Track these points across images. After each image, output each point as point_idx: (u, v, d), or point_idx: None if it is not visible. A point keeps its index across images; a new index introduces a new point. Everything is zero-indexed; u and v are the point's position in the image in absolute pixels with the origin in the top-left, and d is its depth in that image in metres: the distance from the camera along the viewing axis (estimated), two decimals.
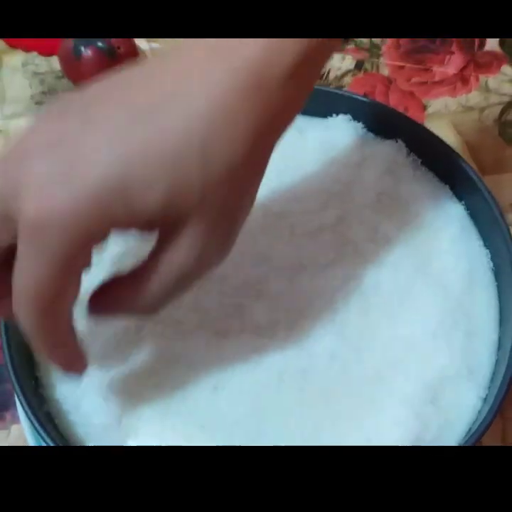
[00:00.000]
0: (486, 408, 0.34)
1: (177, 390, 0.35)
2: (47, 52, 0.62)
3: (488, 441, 0.41)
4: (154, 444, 0.34)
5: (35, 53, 0.62)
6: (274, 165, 0.42)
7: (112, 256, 0.37)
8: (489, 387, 0.35)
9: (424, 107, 0.58)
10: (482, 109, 0.57)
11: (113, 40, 0.56)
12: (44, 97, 0.59)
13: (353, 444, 0.33)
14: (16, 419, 0.43)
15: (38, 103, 0.59)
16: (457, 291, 0.38)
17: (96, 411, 0.35)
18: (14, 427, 0.43)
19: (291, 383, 0.35)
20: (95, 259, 0.35)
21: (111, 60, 0.56)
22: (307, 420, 0.34)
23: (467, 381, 0.35)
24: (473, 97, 0.58)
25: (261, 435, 0.34)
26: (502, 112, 0.57)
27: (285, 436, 0.34)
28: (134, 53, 0.59)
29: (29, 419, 0.32)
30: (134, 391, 0.35)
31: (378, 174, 0.42)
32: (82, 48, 0.56)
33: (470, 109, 0.58)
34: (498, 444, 0.41)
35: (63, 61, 0.58)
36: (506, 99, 0.58)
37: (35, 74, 0.61)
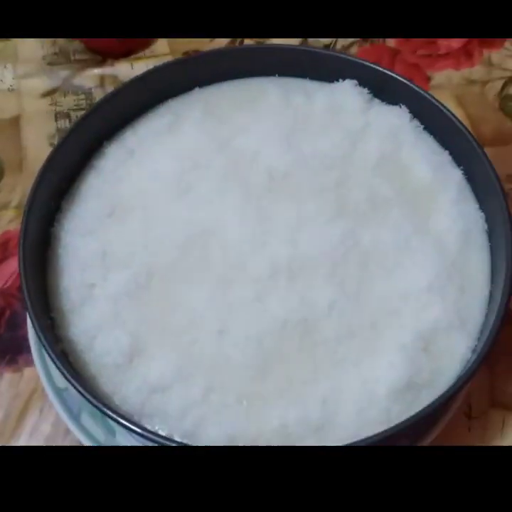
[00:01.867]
0: (475, 358, 0.36)
1: (184, 333, 0.37)
2: None
3: (477, 397, 0.43)
4: (163, 384, 0.36)
5: None
6: (282, 127, 0.44)
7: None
8: (479, 339, 0.37)
9: (428, 79, 0.59)
10: (484, 83, 0.59)
11: None
12: (56, 58, 0.61)
13: (349, 384, 0.35)
14: (29, 363, 0.45)
15: (50, 64, 0.60)
16: (453, 249, 0.40)
17: (108, 351, 0.37)
18: (27, 370, 0.45)
19: (293, 330, 0.37)
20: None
21: None
22: (307, 364, 0.36)
23: (458, 332, 0.37)
24: (477, 71, 0.60)
25: (264, 377, 0.36)
26: (503, 86, 0.59)
27: (287, 378, 0.36)
28: None
29: (47, 353, 0.34)
30: (143, 333, 0.37)
31: (381, 138, 0.44)
32: None
33: (473, 82, 0.59)
34: (486, 399, 0.43)
35: None
36: (508, 73, 0.59)
37: None
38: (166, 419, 0.35)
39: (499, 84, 0.59)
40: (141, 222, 0.41)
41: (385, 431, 0.32)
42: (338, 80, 0.46)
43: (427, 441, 0.38)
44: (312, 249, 0.39)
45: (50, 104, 0.57)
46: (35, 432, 0.43)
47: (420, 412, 0.33)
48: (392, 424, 0.33)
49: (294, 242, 0.40)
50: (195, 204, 0.42)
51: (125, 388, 0.36)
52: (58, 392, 0.39)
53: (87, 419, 0.38)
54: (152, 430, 0.33)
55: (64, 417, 0.38)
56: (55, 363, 0.33)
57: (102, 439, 0.37)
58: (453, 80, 0.59)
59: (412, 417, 0.32)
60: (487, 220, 0.41)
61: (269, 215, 0.41)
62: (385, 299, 0.38)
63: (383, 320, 0.37)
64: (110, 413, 0.32)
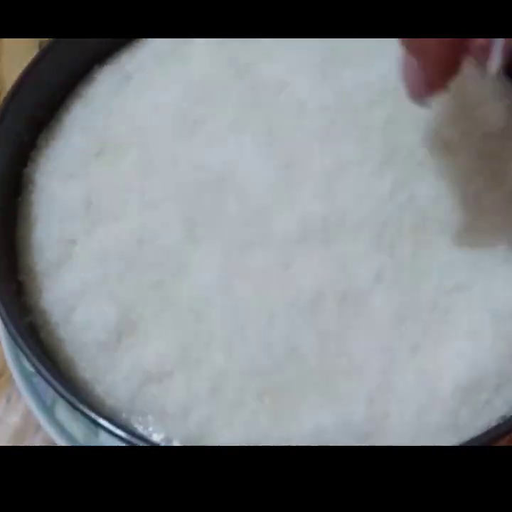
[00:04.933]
0: None
1: (189, 306, 0.30)
2: None
3: None
4: (161, 371, 0.29)
5: None
6: (316, 53, 0.37)
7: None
8: None
9: None
10: None
11: None
12: None
13: (404, 379, 0.28)
14: None
15: None
16: None
17: (90, 325, 0.30)
18: None
19: (328, 307, 0.30)
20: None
21: None
22: (348, 351, 0.29)
23: None
24: None
25: (293, 365, 0.28)
26: None
27: (323, 368, 0.28)
28: None
29: (8, 327, 0.26)
30: (136, 304, 0.30)
31: None
32: None
33: None
34: None
35: None
36: None
37: None
38: (164, 418, 0.28)
39: None
40: (136, 164, 0.34)
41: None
42: None
43: None
44: (354, 205, 0.32)
45: None
46: (1, 425, 0.35)
47: (506, 422, 0.25)
48: (460, 433, 0.26)
49: (330, 195, 0.32)
50: (206, 144, 0.34)
51: (111, 375, 0.29)
52: (28, 377, 0.31)
53: (62, 413, 0.31)
54: (145, 436, 0.25)
55: (34, 408, 0.31)
56: (15, 339, 0.25)
57: (81, 438, 0.30)
58: None
59: (497, 427, 0.25)
60: None
61: (298, 160, 0.33)
62: (448, 270, 0.30)
63: (446, 297, 0.30)
64: (89, 412, 0.24)
